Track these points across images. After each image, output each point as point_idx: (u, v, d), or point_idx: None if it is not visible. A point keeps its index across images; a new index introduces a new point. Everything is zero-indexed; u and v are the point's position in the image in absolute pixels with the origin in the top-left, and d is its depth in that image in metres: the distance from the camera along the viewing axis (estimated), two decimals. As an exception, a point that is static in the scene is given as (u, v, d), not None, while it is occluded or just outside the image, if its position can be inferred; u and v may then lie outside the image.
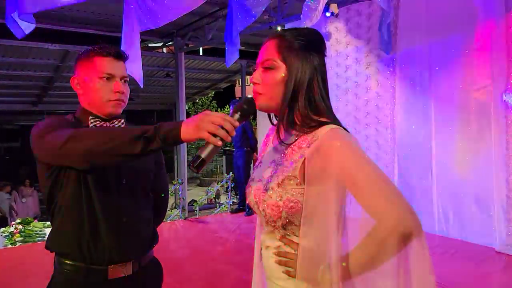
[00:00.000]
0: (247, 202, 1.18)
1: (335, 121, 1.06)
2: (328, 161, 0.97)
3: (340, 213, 1.01)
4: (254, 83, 1.08)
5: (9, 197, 8.70)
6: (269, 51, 1.07)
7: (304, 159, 1.01)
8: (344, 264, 0.97)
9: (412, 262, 0.94)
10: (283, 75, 1.04)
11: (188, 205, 7.43)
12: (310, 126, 1.04)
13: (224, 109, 15.58)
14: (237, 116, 1.03)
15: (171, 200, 9.04)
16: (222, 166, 13.93)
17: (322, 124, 1.03)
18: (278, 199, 1.03)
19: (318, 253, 1.00)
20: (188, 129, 1.00)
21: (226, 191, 6.78)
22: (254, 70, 1.10)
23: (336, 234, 0.99)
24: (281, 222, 1.05)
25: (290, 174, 1.03)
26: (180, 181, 6.43)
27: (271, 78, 1.05)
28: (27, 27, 3.29)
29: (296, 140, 1.06)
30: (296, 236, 1.05)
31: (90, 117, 1.36)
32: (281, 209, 1.03)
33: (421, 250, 0.94)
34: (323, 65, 1.08)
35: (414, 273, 0.95)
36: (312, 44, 1.07)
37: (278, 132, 1.07)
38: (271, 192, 1.04)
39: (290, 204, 1.02)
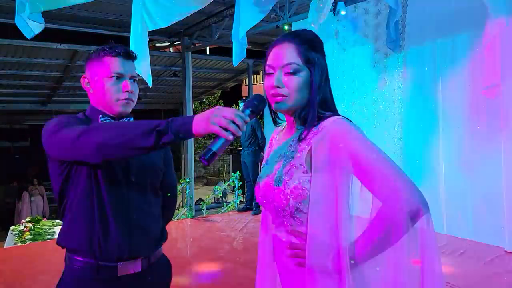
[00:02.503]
0: (257, 201, 1.19)
1: (338, 113, 1.12)
2: (334, 147, 1.02)
3: (347, 199, 1.03)
4: (277, 87, 1.08)
5: None
6: (289, 55, 1.08)
7: (310, 147, 1.05)
8: (353, 249, 0.99)
9: (424, 239, 0.97)
10: (308, 79, 1.08)
11: (195, 204, 7.46)
12: (317, 119, 1.09)
13: (230, 108, 15.64)
14: (248, 112, 1.05)
15: (178, 199, 9.07)
16: (229, 165, 13.97)
17: (327, 116, 1.08)
18: (285, 187, 1.06)
19: (326, 240, 1.02)
20: (200, 123, 1.03)
21: (233, 190, 6.79)
22: (270, 74, 1.10)
23: (344, 220, 1.01)
24: (289, 210, 1.07)
25: (296, 162, 1.06)
26: (187, 180, 6.46)
27: (296, 82, 1.08)
28: (37, 27, 3.32)
29: (301, 132, 1.10)
30: (305, 226, 1.07)
31: (100, 116, 1.37)
32: (288, 196, 1.05)
33: (428, 227, 0.97)
34: (327, 65, 1.14)
35: (425, 250, 0.98)
36: (319, 46, 1.13)
37: (291, 127, 1.15)
38: (278, 181, 1.08)
39: (297, 191, 1.05)
